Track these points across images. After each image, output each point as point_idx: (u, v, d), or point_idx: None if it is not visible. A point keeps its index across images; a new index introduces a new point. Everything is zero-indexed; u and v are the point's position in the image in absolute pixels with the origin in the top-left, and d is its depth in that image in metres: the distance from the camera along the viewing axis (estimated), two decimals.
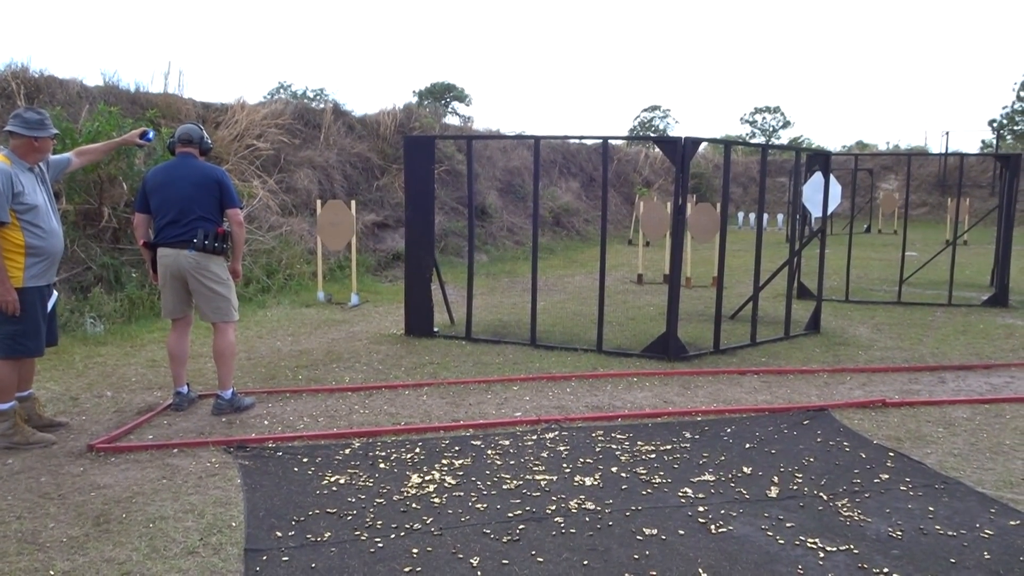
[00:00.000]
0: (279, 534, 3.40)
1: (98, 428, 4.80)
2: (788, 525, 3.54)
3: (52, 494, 3.80)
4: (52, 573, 3.05)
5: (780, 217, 24.79)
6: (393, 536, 3.40)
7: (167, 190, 5.01)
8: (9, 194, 4.24)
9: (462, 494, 3.85)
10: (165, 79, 12.60)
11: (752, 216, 24.99)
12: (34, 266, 4.39)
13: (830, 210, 8.53)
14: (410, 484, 3.96)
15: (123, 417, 5.02)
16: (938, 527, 3.53)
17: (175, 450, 4.44)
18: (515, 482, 4.01)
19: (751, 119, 55.55)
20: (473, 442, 4.63)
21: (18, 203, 4.29)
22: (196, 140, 5.15)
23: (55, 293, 4.71)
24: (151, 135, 5.26)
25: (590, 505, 3.73)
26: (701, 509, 3.70)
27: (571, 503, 3.75)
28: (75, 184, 8.69)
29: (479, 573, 3.08)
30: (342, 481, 4.00)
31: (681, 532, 3.46)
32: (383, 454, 4.40)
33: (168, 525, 3.48)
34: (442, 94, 44.13)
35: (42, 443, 4.45)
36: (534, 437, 4.72)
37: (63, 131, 8.37)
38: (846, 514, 3.66)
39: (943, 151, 29.08)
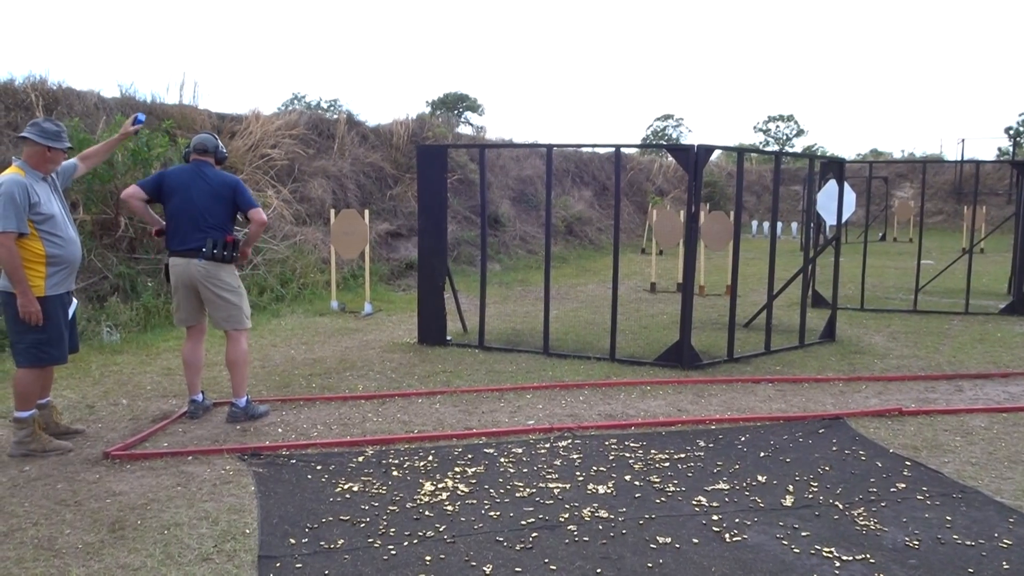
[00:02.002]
0: (293, 541, 3.41)
1: (114, 436, 4.83)
2: (803, 534, 3.51)
3: (68, 501, 3.82)
4: None
5: (795, 226, 24.69)
6: (406, 543, 3.40)
7: (183, 196, 5.03)
8: (26, 205, 4.27)
9: (475, 502, 3.85)
10: (180, 90, 12.75)
11: (766, 225, 24.90)
12: (55, 275, 4.43)
13: (844, 218, 8.49)
14: (423, 492, 3.96)
15: (139, 425, 5.06)
16: (956, 537, 3.49)
17: (190, 457, 4.46)
18: (528, 490, 4.00)
19: (765, 127, 55.55)
20: (486, 450, 4.63)
21: (35, 213, 4.33)
22: (211, 149, 5.19)
23: (74, 300, 4.76)
24: (142, 117, 5.17)
25: (603, 513, 3.72)
26: (715, 518, 3.68)
27: (584, 511, 3.74)
28: (92, 194, 8.78)
29: None
30: (355, 489, 4.01)
31: (695, 541, 3.44)
32: (396, 462, 4.40)
33: (183, 532, 3.49)
34: (455, 104, 44.34)
35: (59, 450, 4.49)
36: (547, 445, 4.71)
37: (81, 142, 8.45)
38: (862, 523, 3.63)
39: (959, 158, 28.88)
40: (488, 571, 3.15)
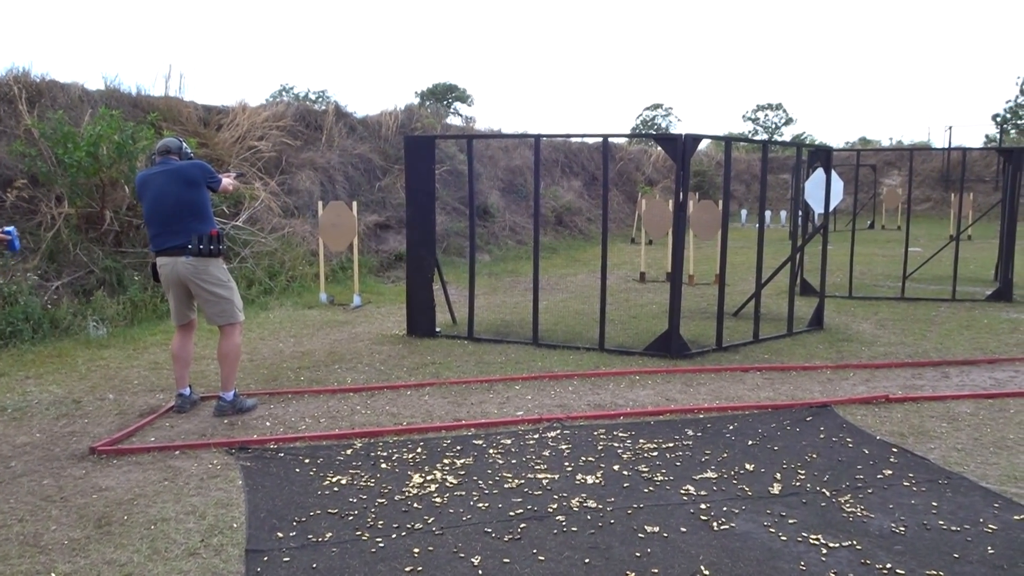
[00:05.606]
0: (280, 535, 3.40)
1: (100, 431, 4.80)
2: (790, 522, 3.53)
3: (54, 497, 3.80)
4: (53, 575, 3.05)
5: (783, 214, 24.75)
6: (394, 536, 3.39)
7: (155, 192, 4.99)
8: None
9: (463, 493, 3.85)
10: (166, 82, 12.65)
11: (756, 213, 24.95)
12: None
13: (832, 206, 8.52)
14: (412, 484, 3.96)
15: (125, 419, 5.03)
16: (941, 522, 3.51)
17: (177, 452, 4.44)
18: (517, 481, 4.00)
19: (753, 116, 55.49)
20: (475, 441, 4.63)
21: None
22: (175, 150, 5.15)
23: None
24: (16, 245, 4.81)
25: (592, 503, 3.72)
26: (703, 506, 3.69)
27: (573, 501, 3.74)
28: (77, 188, 8.70)
29: (480, 572, 3.08)
30: (343, 481, 4.00)
31: (683, 529, 3.45)
32: (385, 454, 4.40)
33: (169, 527, 3.48)
34: (444, 95, 44.13)
35: None
36: (536, 436, 4.72)
37: (65, 135, 8.38)
38: (849, 510, 3.65)
39: (946, 146, 28.98)
40: (476, 563, 3.15)
